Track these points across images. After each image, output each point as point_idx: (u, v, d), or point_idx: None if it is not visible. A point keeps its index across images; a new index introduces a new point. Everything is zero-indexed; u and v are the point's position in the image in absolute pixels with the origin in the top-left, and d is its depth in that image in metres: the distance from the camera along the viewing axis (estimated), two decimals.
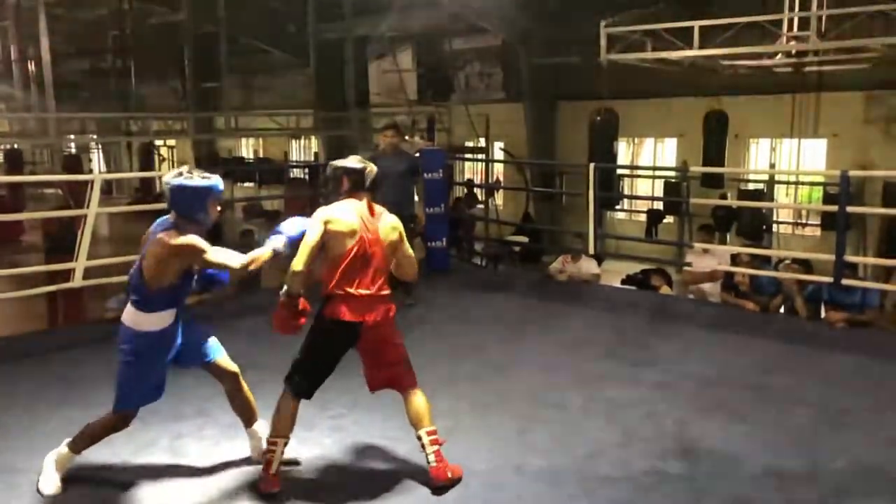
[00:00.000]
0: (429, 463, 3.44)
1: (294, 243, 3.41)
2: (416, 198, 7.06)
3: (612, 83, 10.87)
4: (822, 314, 6.36)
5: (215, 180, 3.40)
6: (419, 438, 3.47)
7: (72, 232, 6.20)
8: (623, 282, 9.25)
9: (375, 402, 4.14)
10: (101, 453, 3.75)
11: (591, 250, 7.60)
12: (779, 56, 9.88)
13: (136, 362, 3.38)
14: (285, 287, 3.36)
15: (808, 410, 4.39)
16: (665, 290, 8.00)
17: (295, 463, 3.63)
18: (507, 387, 4.71)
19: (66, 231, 7.29)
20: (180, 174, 3.35)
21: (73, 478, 3.53)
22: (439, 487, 3.43)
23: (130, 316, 3.38)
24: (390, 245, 3.48)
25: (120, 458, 3.73)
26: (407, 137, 8.56)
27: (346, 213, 3.40)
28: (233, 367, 3.61)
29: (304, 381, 3.44)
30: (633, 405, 4.45)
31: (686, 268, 7.61)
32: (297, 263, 3.34)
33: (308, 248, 3.34)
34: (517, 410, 4.32)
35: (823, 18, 9.09)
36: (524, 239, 12.98)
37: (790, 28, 9.33)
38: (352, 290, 3.37)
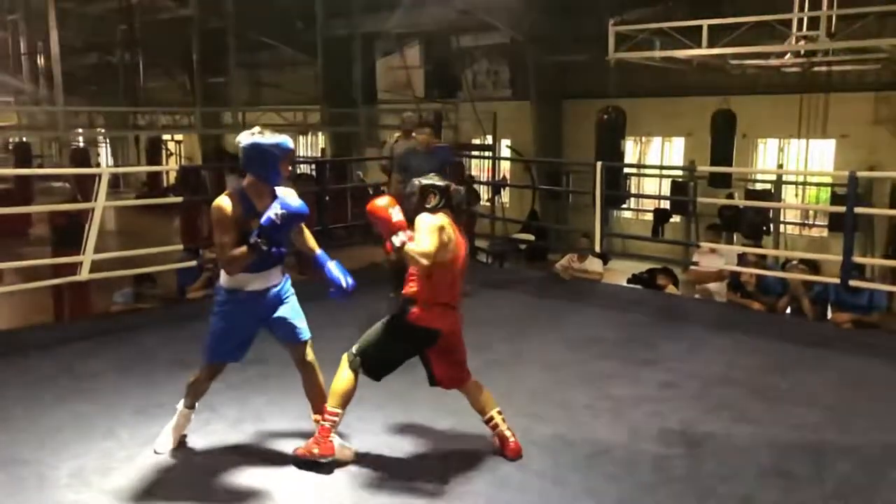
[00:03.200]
0: (508, 439, 3.73)
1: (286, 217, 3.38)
2: None
3: (619, 82, 10.87)
4: (829, 315, 6.34)
5: (284, 138, 3.49)
6: (491, 419, 3.75)
7: (79, 225, 6.22)
8: (629, 281, 9.24)
9: (378, 399, 4.15)
10: (107, 447, 3.77)
11: (598, 249, 7.59)
12: (787, 56, 9.84)
13: (219, 315, 3.55)
14: (400, 243, 3.40)
15: (814, 411, 4.38)
16: (671, 289, 7.99)
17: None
18: (512, 385, 4.70)
19: (73, 224, 7.31)
20: (253, 133, 3.44)
21: (77, 472, 3.54)
22: (515, 458, 3.70)
23: (222, 273, 3.57)
24: (467, 256, 3.74)
25: (125, 452, 3.73)
26: (414, 134, 8.56)
27: (451, 225, 3.57)
28: (310, 356, 3.70)
29: (375, 370, 3.65)
30: (638, 404, 4.44)
31: (692, 267, 7.60)
32: (426, 255, 3.39)
33: (434, 248, 3.42)
34: (522, 408, 4.32)
35: (833, 18, 9.05)
36: (530, 237, 12.97)
37: (799, 28, 9.29)
38: (443, 300, 3.59)
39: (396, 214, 3.46)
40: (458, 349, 3.76)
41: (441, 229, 3.49)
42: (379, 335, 3.64)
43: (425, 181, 3.67)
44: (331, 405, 3.58)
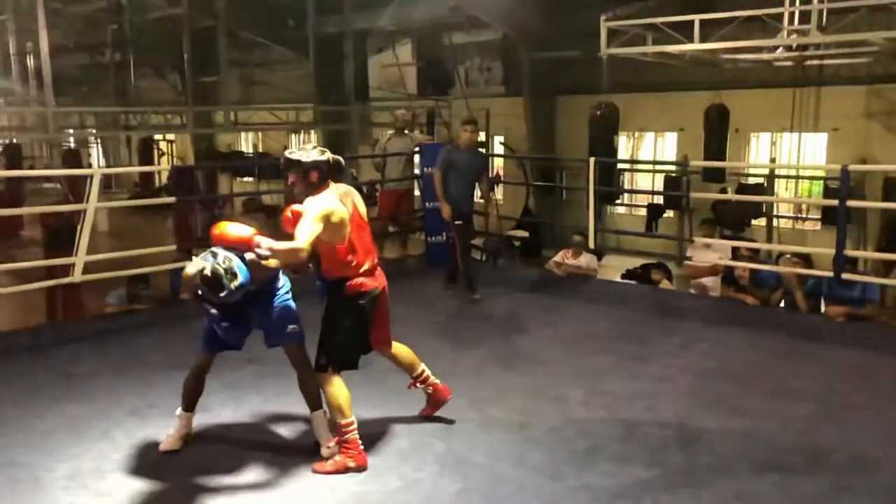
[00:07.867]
0: (435, 387, 4.00)
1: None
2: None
3: (612, 77, 10.84)
4: (823, 308, 6.36)
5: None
6: (423, 373, 3.97)
7: (71, 227, 6.19)
8: (623, 276, 9.25)
9: (374, 398, 4.16)
10: (102, 449, 3.76)
11: (592, 245, 7.59)
12: (779, 50, 9.86)
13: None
14: (268, 251, 3.35)
15: (807, 405, 4.40)
16: (665, 284, 7.99)
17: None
18: (508, 381, 4.71)
19: (65, 226, 7.27)
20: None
21: (73, 474, 3.53)
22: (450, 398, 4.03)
23: None
24: (365, 212, 3.76)
25: (120, 453, 3.73)
26: (406, 131, 8.56)
27: (337, 204, 3.50)
28: (299, 356, 3.72)
29: (349, 356, 3.68)
30: (633, 399, 4.45)
31: (687, 262, 7.61)
32: (299, 251, 3.31)
33: (309, 243, 3.33)
34: (517, 404, 4.32)
35: (824, 12, 9.06)
36: (524, 234, 12.97)
37: (791, 21, 9.30)
38: (364, 264, 3.62)
39: (242, 230, 3.39)
40: (388, 309, 3.83)
41: (327, 216, 3.40)
42: (332, 328, 3.62)
43: (304, 158, 3.49)
44: (340, 420, 3.56)
